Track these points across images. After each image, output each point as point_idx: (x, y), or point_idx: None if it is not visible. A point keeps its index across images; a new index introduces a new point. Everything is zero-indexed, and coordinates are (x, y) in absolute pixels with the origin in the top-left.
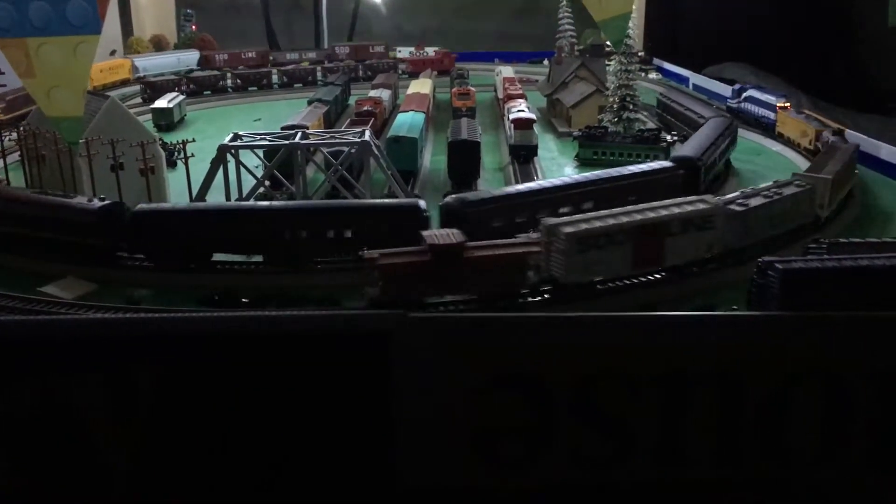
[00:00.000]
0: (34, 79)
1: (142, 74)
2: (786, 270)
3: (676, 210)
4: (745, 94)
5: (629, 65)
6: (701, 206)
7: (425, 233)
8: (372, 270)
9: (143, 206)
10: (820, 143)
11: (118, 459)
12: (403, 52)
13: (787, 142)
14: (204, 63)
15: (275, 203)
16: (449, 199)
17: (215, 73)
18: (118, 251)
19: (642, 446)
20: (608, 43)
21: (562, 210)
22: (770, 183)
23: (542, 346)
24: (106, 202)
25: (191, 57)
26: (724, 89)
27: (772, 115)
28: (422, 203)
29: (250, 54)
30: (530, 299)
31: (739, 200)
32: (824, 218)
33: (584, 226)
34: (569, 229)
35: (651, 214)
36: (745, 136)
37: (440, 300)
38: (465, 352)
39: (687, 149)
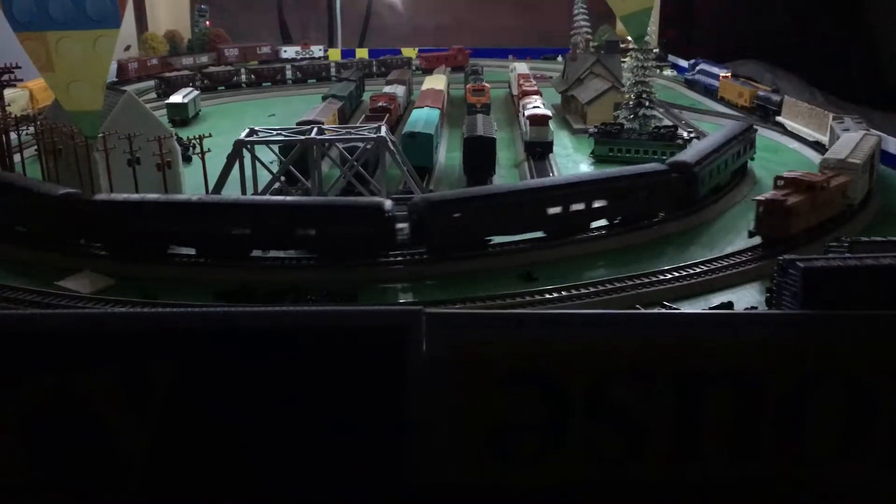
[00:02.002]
0: (54, 72)
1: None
2: (807, 269)
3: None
4: (697, 68)
5: (645, 61)
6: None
7: (788, 174)
8: (776, 210)
9: None
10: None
11: (134, 454)
12: (289, 51)
13: (728, 104)
14: (119, 72)
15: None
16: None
17: (229, 68)
18: None
19: (658, 445)
20: (629, 38)
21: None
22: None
23: (558, 343)
24: None
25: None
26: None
27: (716, 83)
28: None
29: (154, 61)
30: None
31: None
32: None
33: (859, 156)
34: (855, 160)
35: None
36: (764, 134)
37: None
38: (480, 348)
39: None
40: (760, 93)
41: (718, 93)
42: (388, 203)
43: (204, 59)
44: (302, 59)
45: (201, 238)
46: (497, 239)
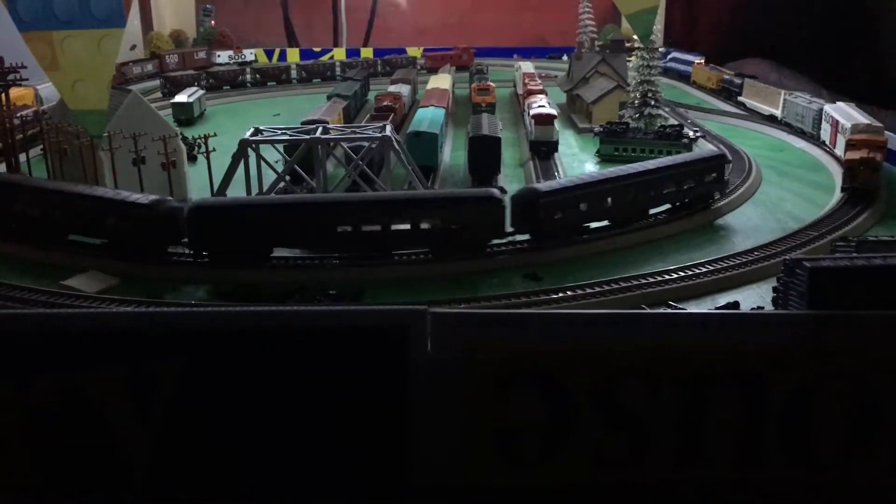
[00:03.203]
0: (59, 72)
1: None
2: (814, 269)
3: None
4: (670, 56)
5: (651, 60)
6: None
7: (857, 136)
8: (870, 166)
9: None
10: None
11: (139, 453)
12: (223, 56)
13: (699, 87)
14: None
15: None
16: None
17: (234, 67)
18: None
19: (662, 446)
20: (635, 37)
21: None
22: None
23: (561, 343)
24: None
25: None
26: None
27: (689, 69)
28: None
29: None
30: None
31: None
32: None
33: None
34: (878, 123)
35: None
36: (768, 131)
37: None
38: (484, 348)
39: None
40: (725, 76)
41: (692, 77)
42: (167, 202)
43: (150, 66)
44: (234, 63)
45: (25, 220)
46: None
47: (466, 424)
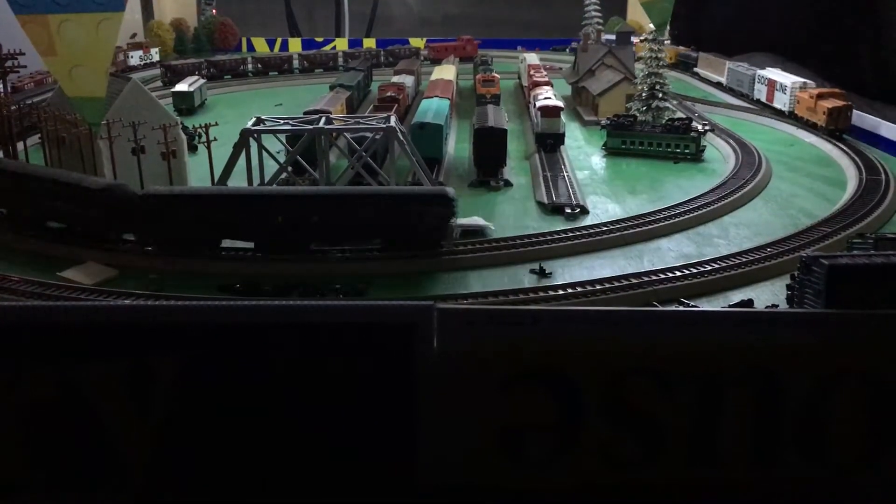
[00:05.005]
0: (56, 57)
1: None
2: (832, 266)
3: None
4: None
5: (659, 52)
6: None
7: (817, 90)
8: (847, 110)
9: None
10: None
11: (137, 450)
12: (135, 56)
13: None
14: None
15: None
16: None
17: (236, 56)
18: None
19: (674, 446)
20: (652, 26)
21: None
22: None
23: (572, 340)
24: None
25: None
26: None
27: None
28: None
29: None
30: None
31: None
32: None
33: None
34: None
35: None
36: (778, 126)
37: None
38: (492, 345)
39: None
40: (682, 51)
41: None
42: None
43: None
44: (145, 64)
45: None
46: None
47: (475, 423)
